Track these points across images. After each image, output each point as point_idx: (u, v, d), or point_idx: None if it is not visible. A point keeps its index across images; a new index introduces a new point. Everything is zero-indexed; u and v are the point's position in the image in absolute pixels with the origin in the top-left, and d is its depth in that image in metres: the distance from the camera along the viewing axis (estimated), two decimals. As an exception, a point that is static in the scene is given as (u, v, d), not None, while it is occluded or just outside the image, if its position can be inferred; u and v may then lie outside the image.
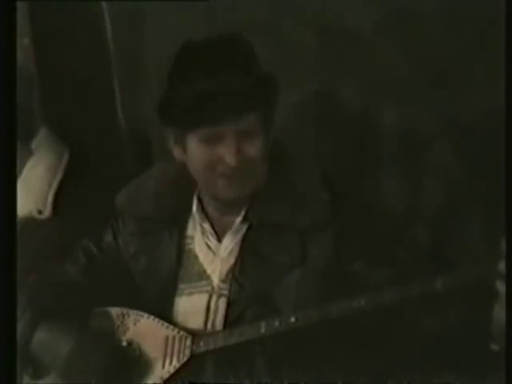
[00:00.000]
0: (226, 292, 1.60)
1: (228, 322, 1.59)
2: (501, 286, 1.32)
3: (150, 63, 2.12)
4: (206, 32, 1.67)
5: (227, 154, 1.51)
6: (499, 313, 1.34)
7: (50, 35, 2.13)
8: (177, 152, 1.60)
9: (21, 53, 2.02)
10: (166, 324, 1.60)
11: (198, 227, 1.66)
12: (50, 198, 1.95)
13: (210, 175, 1.55)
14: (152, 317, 1.61)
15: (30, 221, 1.93)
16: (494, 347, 1.38)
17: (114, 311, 1.65)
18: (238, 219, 1.61)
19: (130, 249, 1.71)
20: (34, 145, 2.00)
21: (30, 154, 2.00)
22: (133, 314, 1.63)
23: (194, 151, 1.55)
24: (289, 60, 1.91)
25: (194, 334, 1.58)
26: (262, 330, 1.51)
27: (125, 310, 1.64)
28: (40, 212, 1.94)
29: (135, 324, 1.62)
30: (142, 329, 1.61)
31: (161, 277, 1.66)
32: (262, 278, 1.57)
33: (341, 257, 1.55)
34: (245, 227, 1.61)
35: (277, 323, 1.50)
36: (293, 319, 1.50)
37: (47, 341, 1.60)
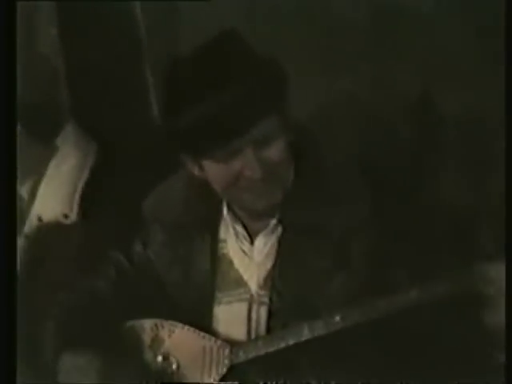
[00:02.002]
0: (266, 300, 1.48)
1: (271, 332, 1.46)
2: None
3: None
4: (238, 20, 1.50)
5: (248, 167, 1.38)
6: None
7: (77, 25, 1.98)
8: (195, 170, 1.47)
9: (46, 43, 1.87)
10: (202, 334, 1.49)
11: (231, 230, 1.53)
12: (77, 201, 1.80)
13: (234, 192, 1.43)
14: (187, 327, 1.50)
15: (56, 226, 1.79)
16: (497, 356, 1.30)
17: (148, 323, 1.53)
18: (272, 222, 1.48)
19: (162, 260, 1.59)
20: (59, 141, 1.84)
21: (55, 151, 1.84)
22: (167, 324, 1.52)
23: (211, 171, 1.43)
24: (339, 43, 1.72)
25: (232, 343, 1.48)
26: (305, 333, 1.40)
27: (158, 321, 1.52)
28: (66, 216, 1.79)
29: (170, 336, 1.51)
30: (177, 340, 1.50)
31: (196, 286, 1.54)
32: (303, 284, 1.45)
33: (385, 259, 1.41)
34: (280, 229, 1.48)
35: (320, 324, 1.39)
36: (337, 318, 1.38)
37: (74, 369, 1.49)
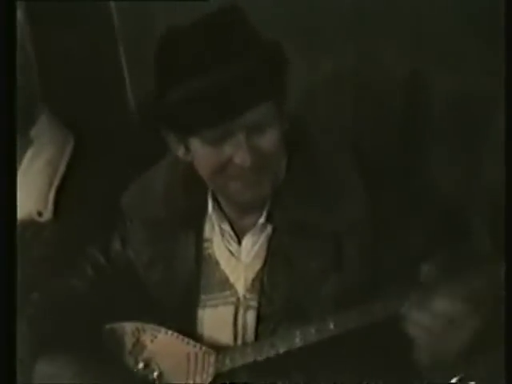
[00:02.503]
0: (254, 303, 1.39)
1: (260, 338, 1.38)
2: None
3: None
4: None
5: (238, 153, 1.28)
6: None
7: (47, 11, 1.87)
8: (180, 152, 1.37)
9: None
10: (186, 339, 1.40)
11: (217, 228, 1.44)
12: (51, 197, 1.70)
13: (220, 179, 1.33)
14: (170, 331, 1.41)
15: (30, 224, 1.68)
16: None
17: (129, 327, 1.44)
18: (261, 220, 1.39)
19: (143, 258, 1.49)
20: (33, 133, 1.73)
21: (29, 143, 1.73)
22: (149, 328, 1.43)
23: (199, 153, 1.32)
24: (322, 22, 1.62)
25: (218, 350, 1.39)
26: (297, 340, 1.31)
27: (140, 325, 1.43)
28: (40, 214, 1.69)
29: (152, 341, 1.42)
30: (160, 346, 1.42)
31: (179, 287, 1.45)
32: (295, 286, 1.36)
33: (381, 259, 1.32)
34: (270, 228, 1.39)
35: (313, 331, 1.30)
36: (331, 325, 1.28)
37: (50, 374, 1.40)
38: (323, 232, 1.34)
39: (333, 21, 1.62)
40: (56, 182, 1.71)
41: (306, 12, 1.62)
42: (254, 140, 1.28)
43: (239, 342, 1.39)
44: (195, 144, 1.31)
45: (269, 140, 1.30)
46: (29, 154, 1.73)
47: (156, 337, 1.41)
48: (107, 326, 1.46)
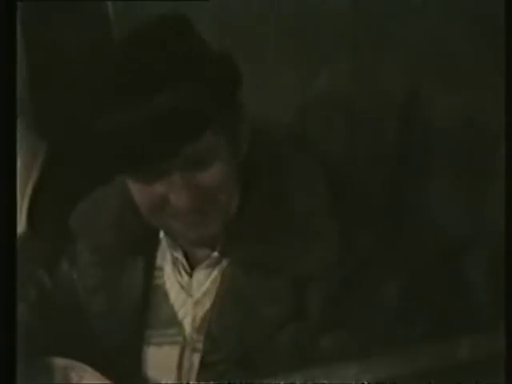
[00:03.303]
0: (200, 346, 1.23)
1: None
2: None
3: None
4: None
5: (174, 194, 1.11)
6: None
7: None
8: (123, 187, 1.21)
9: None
10: None
11: (169, 256, 1.28)
12: (25, 208, 1.57)
13: (160, 218, 1.17)
14: (97, 373, 1.24)
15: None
16: None
17: (59, 363, 1.27)
18: (214, 253, 1.23)
19: (87, 283, 1.34)
20: None
21: None
22: (77, 367, 1.26)
23: (135, 191, 1.17)
24: (314, 32, 1.45)
25: None
26: None
27: (69, 363, 1.27)
28: None
29: (80, 382, 1.25)
30: None
31: (123, 319, 1.29)
32: (244, 333, 1.19)
33: (352, 312, 1.14)
34: (224, 262, 1.23)
35: None
36: None
37: None
38: (284, 274, 1.17)
39: (329, 36, 1.44)
40: (29, 192, 1.58)
41: (302, 25, 1.45)
42: (192, 177, 1.12)
43: (183, 387, 1.24)
44: (130, 182, 1.16)
45: (213, 175, 1.13)
46: None
47: (83, 376, 1.25)
48: (40, 359, 1.29)
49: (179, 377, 1.24)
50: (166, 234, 1.25)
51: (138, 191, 1.15)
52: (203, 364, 1.21)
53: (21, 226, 1.56)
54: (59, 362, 1.28)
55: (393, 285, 1.16)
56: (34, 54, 1.68)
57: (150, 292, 1.28)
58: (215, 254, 1.22)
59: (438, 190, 1.38)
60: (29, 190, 1.59)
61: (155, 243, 1.30)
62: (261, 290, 1.18)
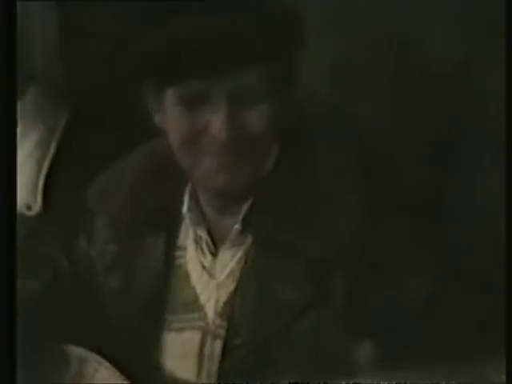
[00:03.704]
0: (222, 332, 1.15)
1: (222, 375, 1.14)
2: None
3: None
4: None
5: (214, 121, 1.06)
6: None
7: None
8: (158, 117, 1.16)
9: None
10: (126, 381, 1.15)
11: (191, 234, 1.20)
12: (40, 187, 1.48)
13: (191, 154, 1.11)
14: (112, 368, 1.16)
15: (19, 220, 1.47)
16: None
17: (75, 353, 1.20)
18: (236, 226, 1.15)
19: (104, 261, 1.26)
20: (20, 108, 1.48)
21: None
22: (93, 359, 1.18)
23: (171, 114, 1.11)
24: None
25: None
26: None
27: (84, 354, 1.19)
28: (29, 207, 1.48)
29: (94, 376, 1.18)
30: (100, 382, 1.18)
31: (141, 301, 1.21)
32: (264, 320, 1.11)
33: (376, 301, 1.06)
34: (248, 240, 1.15)
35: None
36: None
37: None
38: (305, 256, 1.09)
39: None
40: (45, 168, 1.50)
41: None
42: (237, 111, 1.07)
43: (204, 376, 1.15)
44: (170, 101, 1.10)
45: (256, 117, 1.08)
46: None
47: (97, 371, 1.18)
48: (54, 346, 1.22)
49: (199, 366, 1.16)
50: (193, 180, 1.18)
51: (179, 116, 1.09)
52: (225, 351, 1.13)
53: (36, 206, 1.48)
54: (75, 351, 1.21)
55: (420, 276, 1.07)
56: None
57: (170, 273, 1.20)
58: (237, 226, 1.15)
59: (483, 178, 1.27)
60: (45, 168, 1.50)
61: (177, 221, 1.22)
62: (281, 272, 1.11)
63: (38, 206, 1.48)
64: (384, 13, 1.32)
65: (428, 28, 1.29)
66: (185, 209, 1.20)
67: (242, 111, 1.07)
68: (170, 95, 1.09)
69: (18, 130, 1.50)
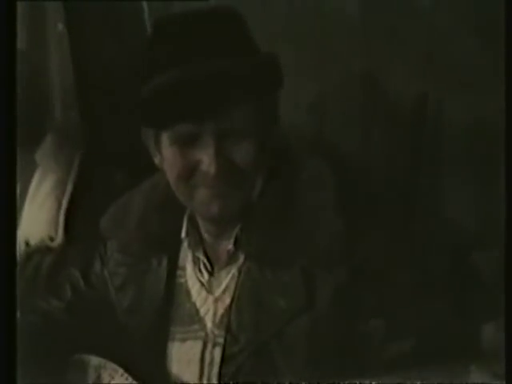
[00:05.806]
0: (221, 340, 1.29)
1: (223, 379, 1.28)
2: None
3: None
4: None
5: (204, 158, 1.20)
6: None
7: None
8: (157, 158, 1.31)
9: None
10: None
11: (190, 256, 1.36)
12: (62, 221, 1.66)
13: (186, 186, 1.25)
14: (126, 375, 1.31)
15: (44, 250, 1.66)
16: None
17: (93, 362, 1.35)
18: (230, 246, 1.30)
19: (116, 281, 1.42)
20: (38, 156, 1.71)
21: (34, 167, 1.71)
22: (110, 367, 1.33)
23: (167, 155, 1.25)
24: (325, 34, 1.51)
25: None
26: None
27: (103, 362, 1.34)
28: (52, 239, 1.66)
29: (110, 382, 1.33)
30: None
31: (149, 316, 1.37)
32: (260, 326, 1.25)
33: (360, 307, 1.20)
34: (241, 258, 1.29)
35: None
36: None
37: None
38: (295, 266, 1.23)
39: (341, 36, 1.50)
40: (65, 204, 1.68)
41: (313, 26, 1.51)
42: (225, 148, 1.20)
43: (205, 380, 1.29)
44: (165, 142, 1.24)
45: (243, 152, 1.21)
46: (36, 177, 1.71)
47: (113, 377, 1.32)
48: (75, 356, 1.38)
49: (201, 370, 1.30)
50: (189, 207, 1.31)
51: (173, 154, 1.23)
52: (224, 357, 1.27)
53: (58, 238, 1.66)
54: (94, 360, 1.35)
55: (403, 276, 1.20)
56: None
57: (173, 290, 1.35)
58: (230, 247, 1.29)
59: (448, 187, 1.42)
60: (64, 204, 1.68)
61: (178, 244, 1.37)
62: (273, 282, 1.24)
63: (59, 238, 1.65)
64: (353, 53, 1.49)
65: (391, 67, 1.45)
66: (184, 233, 1.35)
67: (229, 147, 1.20)
68: (165, 138, 1.24)
69: (37, 173, 1.71)
